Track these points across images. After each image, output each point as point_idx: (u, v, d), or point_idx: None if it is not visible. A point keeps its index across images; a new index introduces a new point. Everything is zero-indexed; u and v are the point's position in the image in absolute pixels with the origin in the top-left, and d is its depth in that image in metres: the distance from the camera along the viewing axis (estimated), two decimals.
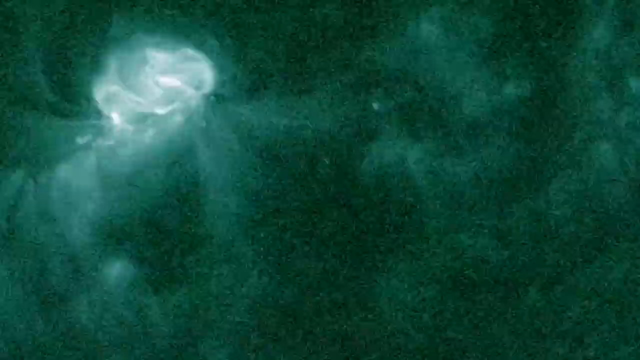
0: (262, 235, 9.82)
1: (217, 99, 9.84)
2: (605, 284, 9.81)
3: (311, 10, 9.84)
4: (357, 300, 9.82)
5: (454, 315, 9.82)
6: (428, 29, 9.92)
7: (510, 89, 9.91)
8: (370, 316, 9.82)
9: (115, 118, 9.89)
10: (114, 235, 9.81)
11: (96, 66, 9.78)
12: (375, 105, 9.94)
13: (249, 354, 9.78)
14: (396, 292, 9.83)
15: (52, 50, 9.84)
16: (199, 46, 9.87)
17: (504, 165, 9.88)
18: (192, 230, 9.83)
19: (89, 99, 9.80)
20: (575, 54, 9.97)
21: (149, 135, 9.87)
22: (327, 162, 9.83)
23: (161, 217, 9.83)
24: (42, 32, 9.80)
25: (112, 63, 9.78)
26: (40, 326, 9.69)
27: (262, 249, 9.81)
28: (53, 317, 9.75)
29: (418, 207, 9.88)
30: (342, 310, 9.82)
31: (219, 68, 9.89)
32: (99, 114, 9.87)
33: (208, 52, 9.87)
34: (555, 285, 9.82)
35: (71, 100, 9.86)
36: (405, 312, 9.80)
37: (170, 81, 9.91)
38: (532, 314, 9.81)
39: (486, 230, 9.88)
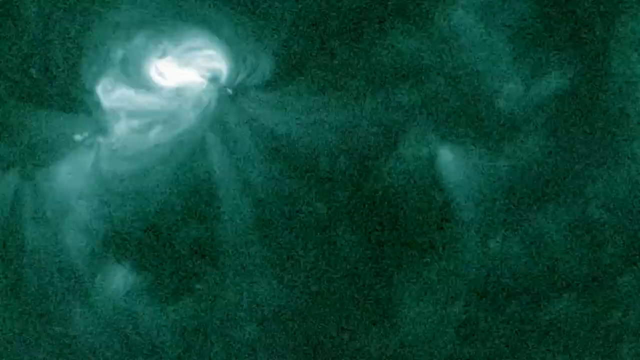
0: (276, 242, 9.65)
1: (234, 93, 9.59)
2: None
3: None
4: (376, 311, 9.69)
5: (481, 326, 9.68)
6: (460, 15, 9.62)
7: (548, 82, 9.64)
8: (389, 329, 9.69)
9: (119, 114, 9.67)
10: (114, 241, 9.67)
11: (97, 56, 9.55)
12: (402, 99, 9.62)
13: None
14: (418, 302, 9.69)
15: (50, 38, 9.53)
16: (214, 34, 9.59)
17: (540, 164, 9.64)
18: (200, 236, 9.65)
19: (90, 92, 9.57)
20: (618, 43, 9.68)
21: (155, 133, 9.66)
22: (348, 162, 9.61)
23: (166, 222, 9.64)
24: (41, 20, 9.52)
25: (116, 52, 9.56)
26: (34, 337, 9.65)
27: (276, 256, 9.65)
28: (48, 328, 9.66)
29: (445, 210, 9.67)
30: (359, 323, 9.70)
31: (236, 59, 9.64)
32: (100, 109, 9.63)
33: (223, 41, 9.59)
34: (591, 293, 9.64)
35: (70, 93, 9.59)
36: (427, 324, 9.69)
37: (180, 73, 9.68)
38: (566, 322, 9.65)
39: (518, 235, 9.67)
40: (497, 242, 9.68)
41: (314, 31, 9.57)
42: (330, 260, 9.68)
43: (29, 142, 9.60)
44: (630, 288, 9.62)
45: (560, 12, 9.65)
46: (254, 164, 9.61)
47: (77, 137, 9.62)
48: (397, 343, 9.68)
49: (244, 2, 9.50)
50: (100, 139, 9.64)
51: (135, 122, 9.68)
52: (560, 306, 9.65)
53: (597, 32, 9.67)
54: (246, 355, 9.71)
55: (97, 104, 9.62)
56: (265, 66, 9.60)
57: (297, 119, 9.59)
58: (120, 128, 9.67)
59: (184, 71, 9.65)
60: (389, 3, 9.59)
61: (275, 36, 9.55)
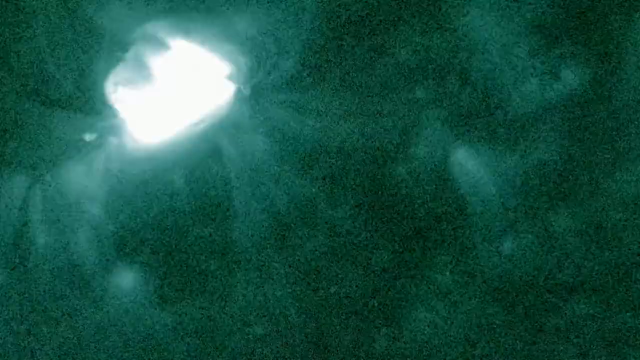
0: (290, 245, 9.62)
1: (249, 93, 9.52)
2: None
3: None
4: (386, 312, 9.67)
5: (493, 328, 9.64)
6: (476, 14, 9.54)
7: (563, 81, 9.56)
8: (399, 330, 9.67)
9: (130, 113, 9.62)
10: (125, 242, 9.65)
11: (109, 55, 9.47)
12: (417, 98, 9.58)
13: None
14: (429, 303, 9.67)
15: (61, 38, 9.47)
16: (230, 31, 9.47)
17: (554, 163, 9.57)
18: (212, 239, 9.62)
19: (100, 92, 9.54)
20: (634, 43, 9.57)
21: (167, 133, 9.59)
22: (361, 163, 9.58)
23: (177, 224, 9.60)
24: (52, 19, 9.45)
25: (127, 49, 9.47)
26: (42, 337, 9.64)
27: (287, 259, 9.63)
28: (57, 328, 9.65)
29: (458, 210, 9.63)
30: (369, 325, 9.68)
31: (253, 57, 9.54)
32: (111, 108, 9.59)
33: (240, 39, 9.47)
34: (605, 294, 9.57)
35: (80, 93, 9.54)
36: (438, 325, 9.66)
37: (194, 72, 9.57)
38: (580, 324, 9.59)
39: (532, 235, 9.62)
40: (511, 242, 9.63)
41: (330, 31, 9.50)
42: (341, 261, 9.65)
43: (39, 142, 9.56)
44: None
45: (576, 11, 9.58)
46: (268, 165, 9.57)
47: (88, 138, 9.58)
48: (406, 344, 9.65)
49: None
50: (111, 139, 9.60)
51: (146, 122, 9.61)
52: (574, 308, 9.59)
53: (613, 32, 9.58)
54: (254, 357, 9.66)
55: (108, 104, 9.57)
56: (283, 66, 9.53)
57: (312, 120, 9.54)
58: (131, 128, 9.61)
59: (198, 70, 9.55)
60: (405, 2, 9.53)
61: (294, 35, 9.47)
